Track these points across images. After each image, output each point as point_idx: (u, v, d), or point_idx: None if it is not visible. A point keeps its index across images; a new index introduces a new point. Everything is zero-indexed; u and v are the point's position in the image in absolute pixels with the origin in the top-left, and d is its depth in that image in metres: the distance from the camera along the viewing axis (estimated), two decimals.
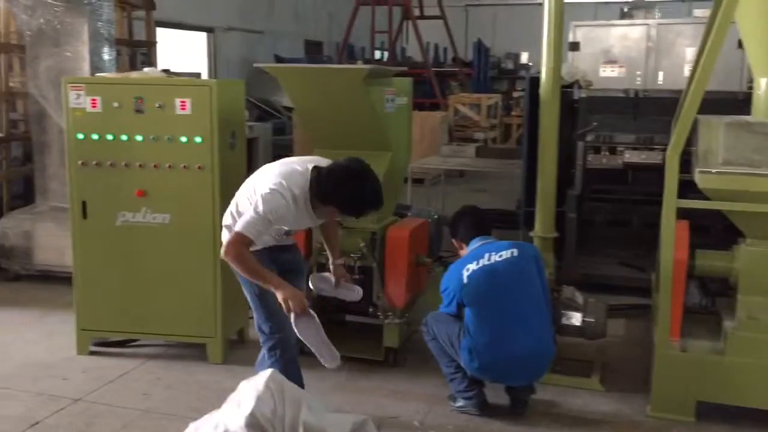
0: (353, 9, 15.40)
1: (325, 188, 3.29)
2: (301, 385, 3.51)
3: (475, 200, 6.59)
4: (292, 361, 3.56)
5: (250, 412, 2.94)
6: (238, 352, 4.64)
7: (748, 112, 4.17)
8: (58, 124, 5.82)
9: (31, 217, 6.19)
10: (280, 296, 3.25)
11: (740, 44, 4.35)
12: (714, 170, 3.61)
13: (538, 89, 4.46)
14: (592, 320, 4.14)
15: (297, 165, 3.39)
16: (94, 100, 4.34)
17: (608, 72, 7.66)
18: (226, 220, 3.50)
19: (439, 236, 5.24)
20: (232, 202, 3.50)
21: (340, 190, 3.27)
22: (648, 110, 5.80)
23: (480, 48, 18.81)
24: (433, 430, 3.77)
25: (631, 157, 5.72)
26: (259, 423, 2.93)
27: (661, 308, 3.86)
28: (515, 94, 16.88)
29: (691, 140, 3.80)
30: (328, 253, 3.88)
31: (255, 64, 4.48)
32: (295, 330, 3.29)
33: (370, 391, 4.18)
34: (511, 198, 8.56)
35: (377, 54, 17.07)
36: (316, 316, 3.30)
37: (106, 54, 5.99)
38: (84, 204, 4.44)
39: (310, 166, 3.36)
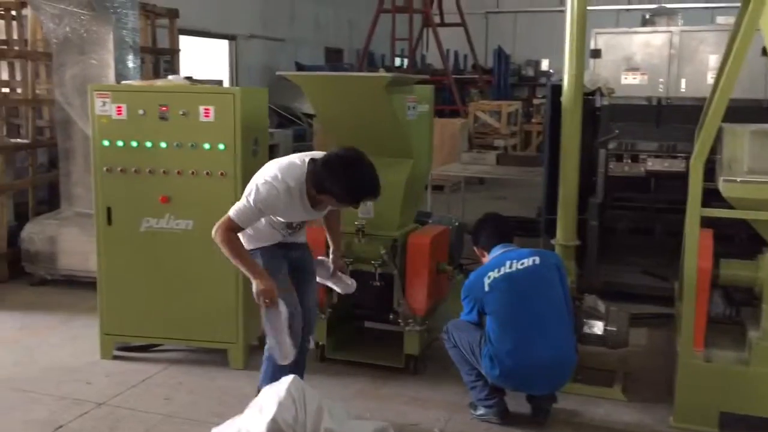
0: (374, 17, 15.45)
1: (319, 177, 3.32)
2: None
3: (496, 207, 6.59)
4: (283, 371, 3.55)
5: (271, 417, 2.96)
6: (259, 358, 4.60)
7: None
8: (83, 130, 5.90)
9: (56, 222, 6.27)
10: (254, 286, 3.36)
11: (765, 52, 4.31)
12: (739, 179, 3.58)
13: (560, 97, 4.45)
14: (615, 329, 4.11)
15: (296, 159, 3.46)
16: (119, 107, 4.39)
17: (630, 79, 7.64)
18: None
19: (460, 243, 5.24)
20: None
21: (334, 178, 3.28)
22: (671, 118, 5.75)
23: (500, 55, 18.80)
24: None
25: (653, 165, 5.66)
26: (281, 429, 2.95)
27: (684, 318, 3.82)
28: (535, 101, 16.83)
29: (714, 148, 3.77)
30: (330, 243, 3.98)
31: (278, 72, 4.52)
32: (263, 318, 3.42)
33: (391, 398, 4.18)
34: (532, 205, 8.54)
35: (397, 61, 17.11)
36: (284, 311, 3.42)
37: (131, 62, 6.06)
38: (109, 210, 4.49)
39: (308, 159, 3.41)
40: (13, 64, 7.39)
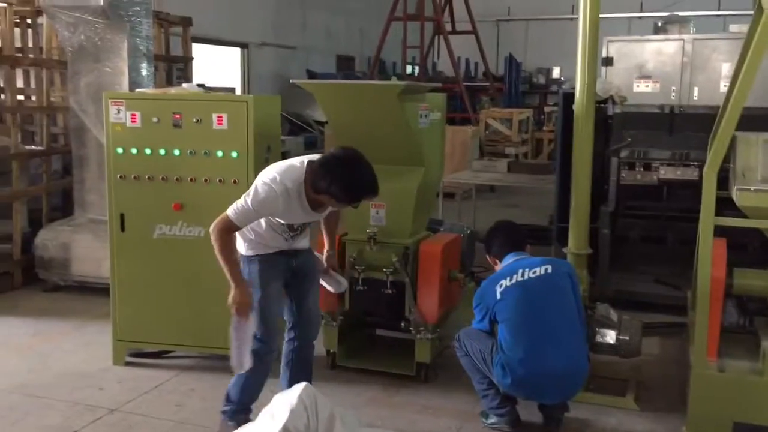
0: (385, 25, 15.50)
1: (317, 178, 3.32)
2: (250, 399, 3.68)
3: (507, 215, 6.59)
4: (260, 373, 3.64)
5: (283, 425, 2.96)
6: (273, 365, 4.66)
7: None
8: (97, 137, 5.95)
9: (69, 228, 6.31)
10: (231, 295, 3.40)
11: None
12: (753, 188, 3.56)
13: (572, 105, 4.45)
14: (627, 338, 4.10)
15: (296, 161, 3.47)
16: (133, 115, 4.43)
17: (642, 87, 7.60)
18: None
19: (471, 251, 5.24)
20: None
21: (332, 177, 3.28)
22: (683, 126, 5.73)
23: (511, 62, 18.80)
24: None
25: (666, 173, 5.65)
26: None
27: (697, 327, 3.80)
28: (547, 109, 16.81)
29: (728, 157, 3.76)
30: (325, 241, 4.00)
31: (292, 80, 4.54)
32: (231, 324, 3.45)
33: (403, 407, 4.17)
34: (543, 213, 8.53)
35: (408, 68, 17.15)
36: (253, 325, 3.47)
37: (145, 69, 6.11)
38: (122, 217, 4.52)
39: (307, 160, 3.42)
40: (28, 72, 7.47)
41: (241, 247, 3.62)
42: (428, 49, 16.66)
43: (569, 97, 4.71)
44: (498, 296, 3.74)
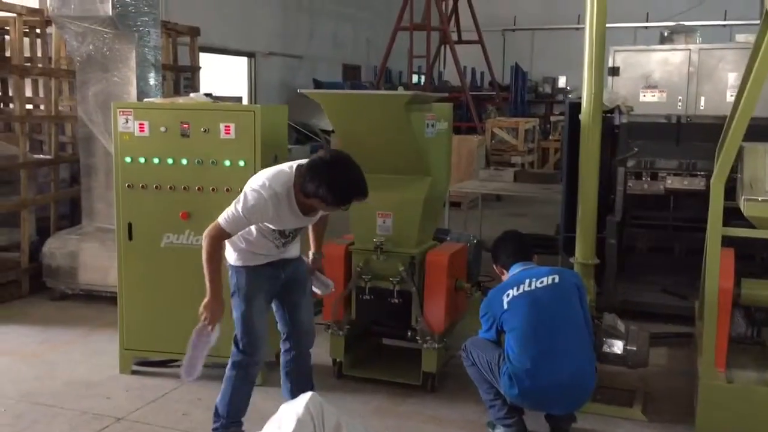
0: (391, 34, 15.55)
1: (306, 181, 3.31)
2: (238, 411, 3.70)
3: (513, 225, 6.58)
4: (245, 385, 3.68)
5: None
6: (276, 375, 4.64)
7: None
8: (105, 147, 5.98)
9: (77, 237, 6.33)
10: (204, 303, 3.43)
11: None
12: (760, 198, 3.56)
13: (578, 114, 4.45)
14: (634, 348, 4.08)
15: (285, 166, 3.46)
16: (141, 124, 4.45)
17: (649, 97, 7.61)
18: None
19: (478, 261, 5.23)
20: None
21: (320, 180, 3.26)
22: (690, 136, 5.72)
23: (517, 72, 18.82)
24: None
25: (673, 182, 5.64)
26: None
27: (705, 337, 3.79)
28: (553, 118, 16.82)
29: (735, 167, 3.75)
30: (312, 244, 3.98)
31: (300, 90, 4.56)
32: (193, 333, 3.47)
33: (409, 416, 4.16)
34: (549, 222, 8.51)
35: (414, 78, 17.20)
36: (213, 340, 3.51)
37: (152, 79, 6.14)
38: (130, 225, 4.54)
39: (296, 165, 3.42)
40: (37, 82, 7.53)
41: (231, 256, 3.61)
42: (434, 58, 16.71)
43: (576, 107, 4.71)
44: (505, 306, 3.73)
